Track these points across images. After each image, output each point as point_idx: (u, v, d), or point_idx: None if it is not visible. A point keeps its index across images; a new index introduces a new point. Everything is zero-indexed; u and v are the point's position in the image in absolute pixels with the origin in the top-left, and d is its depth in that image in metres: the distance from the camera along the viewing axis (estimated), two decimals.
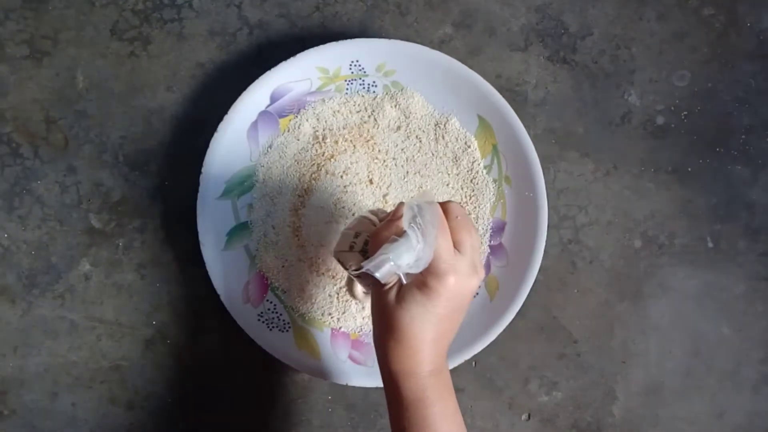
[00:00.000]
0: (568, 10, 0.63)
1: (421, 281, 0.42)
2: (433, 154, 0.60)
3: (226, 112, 0.58)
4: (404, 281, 0.42)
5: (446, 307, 0.42)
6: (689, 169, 0.63)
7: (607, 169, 0.63)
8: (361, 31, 0.62)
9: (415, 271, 0.41)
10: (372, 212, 0.50)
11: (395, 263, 0.41)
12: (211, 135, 0.58)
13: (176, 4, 0.62)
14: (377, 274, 0.41)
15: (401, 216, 0.43)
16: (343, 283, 0.60)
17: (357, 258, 0.46)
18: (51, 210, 0.61)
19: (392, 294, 0.43)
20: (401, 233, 0.42)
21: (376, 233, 0.44)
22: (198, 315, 0.61)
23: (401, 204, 0.44)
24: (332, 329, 0.60)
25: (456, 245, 0.43)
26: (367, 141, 0.60)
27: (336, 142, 0.60)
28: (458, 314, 0.44)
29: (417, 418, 0.43)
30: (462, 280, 0.42)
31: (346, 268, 0.47)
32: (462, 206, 0.49)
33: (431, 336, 0.43)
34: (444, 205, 0.44)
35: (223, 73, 0.62)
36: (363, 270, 0.41)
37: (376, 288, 0.44)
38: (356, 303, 0.59)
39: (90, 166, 0.61)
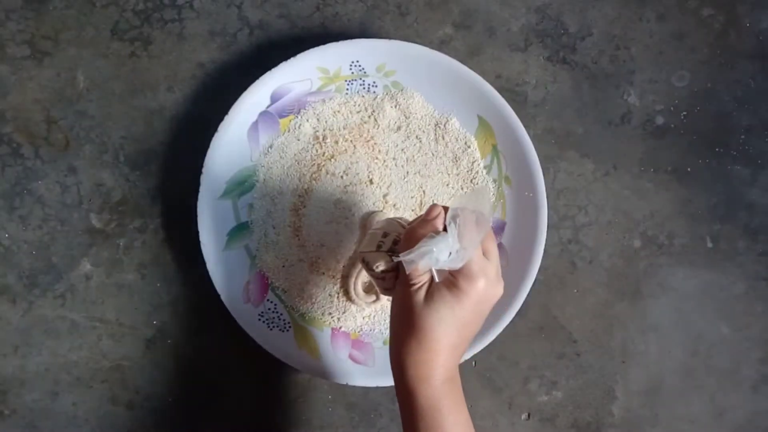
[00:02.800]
0: (568, 11, 0.63)
1: (452, 282, 0.42)
2: (433, 154, 0.60)
3: (226, 112, 0.58)
4: (437, 279, 0.42)
5: (472, 311, 0.42)
6: (689, 169, 0.63)
7: (606, 169, 0.63)
8: (361, 31, 0.62)
9: (452, 267, 0.41)
10: (401, 219, 0.50)
11: (436, 257, 0.41)
12: (212, 135, 0.58)
13: (177, 5, 0.62)
14: (420, 263, 0.41)
15: (435, 216, 0.44)
16: (344, 283, 0.60)
17: (385, 258, 0.46)
18: (52, 210, 0.61)
19: (421, 293, 0.43)
20: (437, 233, 0.42)
21: (411, 230, 0.44)
22: (198, 315, 0.61)
23: (434, 205, 0.45)
24: (332, 329, 0.60)
25: (484, 252, 0.44)
26: (368, 141, 0.60)
27: (336, 142, 0.60)
28: (479, 322, 0.44)
29: (433, 428, 0.43)
30: (490, 285, 0.42)
31: (372, 269, 0.46)
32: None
33: (453, 341, 0.43)
34: None
35: (223, 74, 0.62)
36: (405, 258, 0.41)
37: (404, 287, 0.44)
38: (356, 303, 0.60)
39: (91, 166, 0.61)
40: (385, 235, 0.47)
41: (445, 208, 0.44)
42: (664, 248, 0.63)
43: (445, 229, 0.43)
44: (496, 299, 0.44)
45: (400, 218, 0.50)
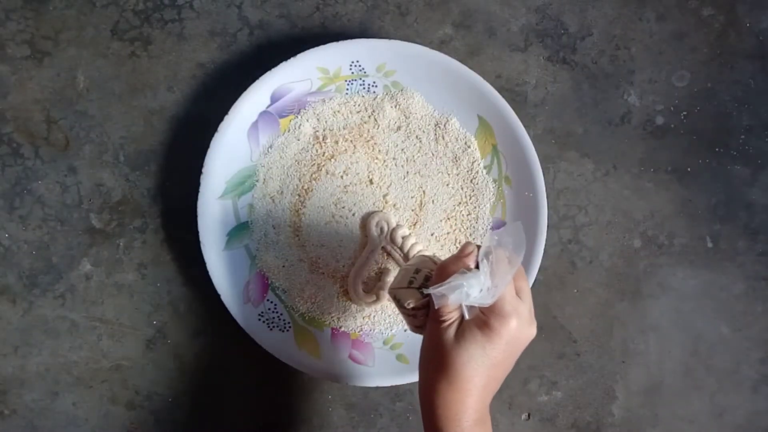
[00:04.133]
0: (568, 11, 0.63)
1: (483, 321, 0.41)
2: (433, 154, 0.60)
3: (226, 113, 0.58)
4: (467, 316, 0.42)
5: (504, 351, 0.42)
6: (689, 169, 0.63)
7: (606, 169, 0.63)
8: (361, 31, 0.62)
9: (483, 304, 0.41)
10: (434, 256, 0.50)
11: (467, 291, 0.41)
12: (212, 135, 0.58)
13: (177, 5, 0.62)
14: (449, 299, 0.41)
15: (468, 254, 0.43)
16: (343, 283, 0.60)
17: (416, 295, 0.45)
18: (52, 210, 0.61)
19: (451, 331, 0.42)
20: (469, 269, 0.42)
21: (443, 266, 0.44)
22: (198, 315, 0.61)
23: (468, 243, 0.45)
24: (332, 329, 0.60)
25: (517, 291, 0.43)
26: (368, 141, 0.60)
27: (336, 142, 0.60)
28: (510, 362, 0.44)
29: None
30: (522, 325, 0.42)
31: (403, 305, 0.46)
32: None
33: (483, 381, 0.42)
34: None
35: (223, 74, 0.62)
36: (434, 291, 0.41)
37: (434, 324, 0.44)
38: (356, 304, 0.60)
39: (91, 166, 0.61)
40: (417, 271, 0.47)
41: (479, 246, 0.44)
42: (664, 248, 0.63)
43: (477, 267, 0.43)
44: (529, 340, 0.43)
45: (433, 255, 0.50)
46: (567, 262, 0.62)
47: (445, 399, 0.42)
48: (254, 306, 0.59)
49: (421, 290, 0.45)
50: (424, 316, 0.46)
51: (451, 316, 0.43)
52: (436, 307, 0.42)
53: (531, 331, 0.43)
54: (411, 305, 0.45)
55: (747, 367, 0.63)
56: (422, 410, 0.44)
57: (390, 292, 0.47)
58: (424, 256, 0.49)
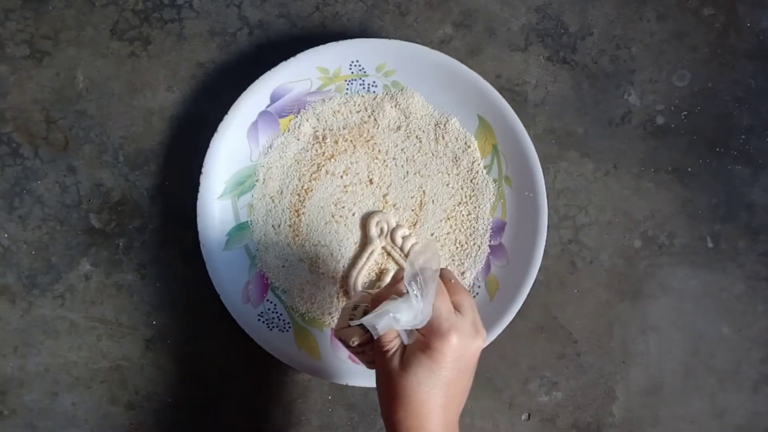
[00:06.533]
0: (568, 10, 0.63)
1: (425, 344, 0.41)
2: (433, 154, 0.60)
3: (226, 112, 0.58)
4: (405, 341, 0.42)
5: (452, 369, 0.41)
6: (689, 169, 0.63)
7: (607, 169, 0.63)
8: (361, 31, 0.62)
9: (415, 325, 0.41)
10: (372, 290, 0.49)
11: (394, 316, 0.40)
12: (212, 135, 0.58)
13: (176, 4, 0.62)
14: (377, 326, 0.41)
15: (399, 280, 0.43)
16: (343, 283, 0.60)
17: (358, 332, 0.45)
18: (51, 210, 0.61)
19: (395, 359, 0.42)
20: (401, 295, 0.42)
21: (376, 296, 0.44)
22: (198, 315, 0.61)
23: (400, 269, 0.44)
24: (332, 329, 0.60)
25: (456, 306, 0.43)
26: (367, 141, 0.60)
27: (336, 142, 0.60)
28: (466, 377, 0.43)
29: None
30: (465, 339, 0.41)
31: (350, 346, 0.46)
32: (451, 271, 0.49)
33: (440, 401, 0.41)
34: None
35: (223, 73, 0.62)
36: (360, 323, 0.41)
37: (378, 355, 0.43)
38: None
39: (90, 166, 0.61)
40: (355, 307, 0.46)
41: None
42: (664, 248, 0.63)
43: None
44: (478, 351, 0.43)
45: (371, 290, 0.50)
46: (567, 263, 0.62)
47: (406, 427, 0.41)
48: (254, 306, 0.59)
49: (360, 326, 0.44)
50: (372, 351, 0.45)
51: (393, 345, 0.42)
52: (375, 338, 0.42)
53: (476, 344, 0.42)
54: (356, 342, 0.45)
55: (747, 368, 0.63)
56: None
57: (335, 335, 0.47)
58: (363, 291, 0.49)
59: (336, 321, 0.60)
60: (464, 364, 0.42)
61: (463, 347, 0.41)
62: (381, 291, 0.44)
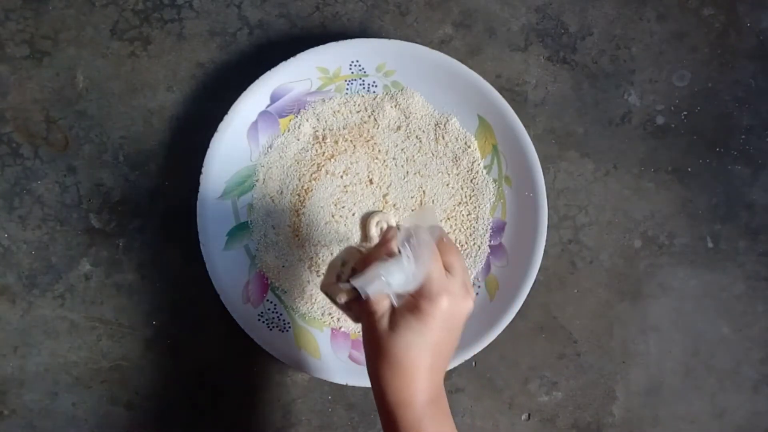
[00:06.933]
0: (568, 10, 0.63)
1: (414, 305, 0.41)
2: (433, 154, 0.60)
3: (226, 112, 0.58)
4: (395, 303, 0.41)
5: (441, 330, 0.41)
6: (689, 169, 0.63)
7: (607, 169, 0.63)
8: (361, 31, 0.62)
9: (407, 290, 0.40)
10: (360, 245, 0.48)
11: (386, 280, 0.40)
12: (212, 135, 0.58)
13: (176, 4, 0.62)
14: (368, 290, 0.40)
15: (389, 239, 0.42)
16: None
17: (346, 290, 0.44)
18: (51, 210, 0.61)
19: (384, 321, 0.42)
20: (392, 255, 0.41)
21: (367, 256, 0.43)
22: (198, 315, 0.61)
23: (390, 228, 0.44)
24: (332, 329, 0.60)
25: (446, 267, 0.42)
26: (367, 141, 0.60)
27: (336, 142, 0.60)
28: (453, 338, 0.43)
29: None
30: (455, 301, 0.41)
31: (336, 302, 0.45)
32: (443, 229, 0.48)
33: (427, 363, 0.41)
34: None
35: (223, 73, 0.62)
36: (351, 286, 0.40)
37: (367, 316, 0.43)
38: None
39: (90, 166, 0.61)
40: (343, 264, 0.45)
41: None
42: (664, 248, 0.63)
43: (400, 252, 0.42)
44: (467, 312, 0.43)
45: (361, 245, 0.49)
46: (567, 263, 0.62)
47: (393, 387, 0.42)
48: (254, 306, 0.59)
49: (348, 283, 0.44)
50: (359, 307, 0.44)
51: (382, 306, 0.42)
52: (363, 299, 0.41)
53: (466, 304, 0.42)
54: (343, 300, 0.44)
55: (747, 368, 0.63)
56: (375, 398, 0.44)
57: (322, 290, 0.46)
58: (350, 246, 0.47)
59: (338, 320, 0.60)
60: (452, 325, 0.42)
61: (452, 309, 0.41)
62: (371, 250, 0.43)
